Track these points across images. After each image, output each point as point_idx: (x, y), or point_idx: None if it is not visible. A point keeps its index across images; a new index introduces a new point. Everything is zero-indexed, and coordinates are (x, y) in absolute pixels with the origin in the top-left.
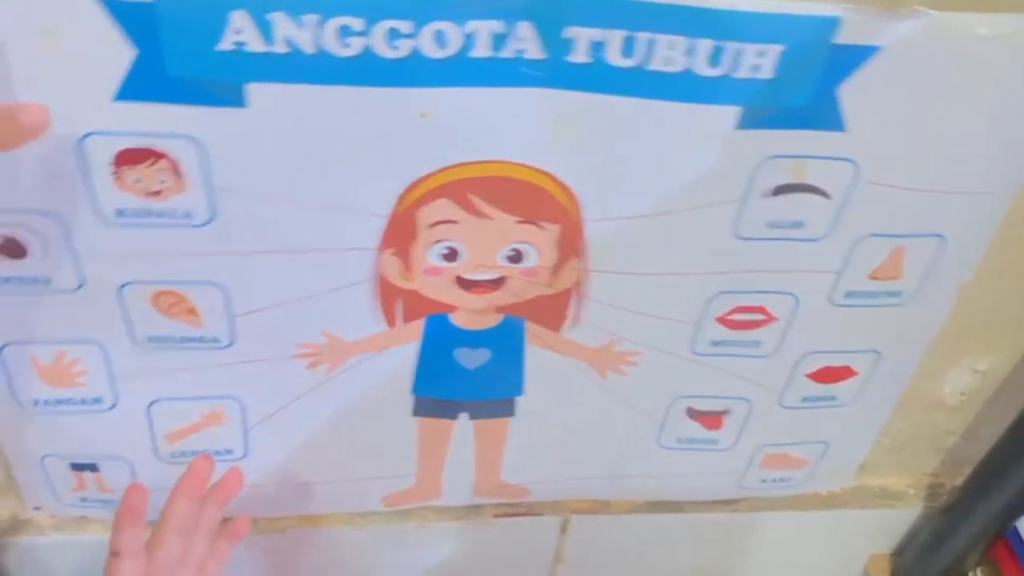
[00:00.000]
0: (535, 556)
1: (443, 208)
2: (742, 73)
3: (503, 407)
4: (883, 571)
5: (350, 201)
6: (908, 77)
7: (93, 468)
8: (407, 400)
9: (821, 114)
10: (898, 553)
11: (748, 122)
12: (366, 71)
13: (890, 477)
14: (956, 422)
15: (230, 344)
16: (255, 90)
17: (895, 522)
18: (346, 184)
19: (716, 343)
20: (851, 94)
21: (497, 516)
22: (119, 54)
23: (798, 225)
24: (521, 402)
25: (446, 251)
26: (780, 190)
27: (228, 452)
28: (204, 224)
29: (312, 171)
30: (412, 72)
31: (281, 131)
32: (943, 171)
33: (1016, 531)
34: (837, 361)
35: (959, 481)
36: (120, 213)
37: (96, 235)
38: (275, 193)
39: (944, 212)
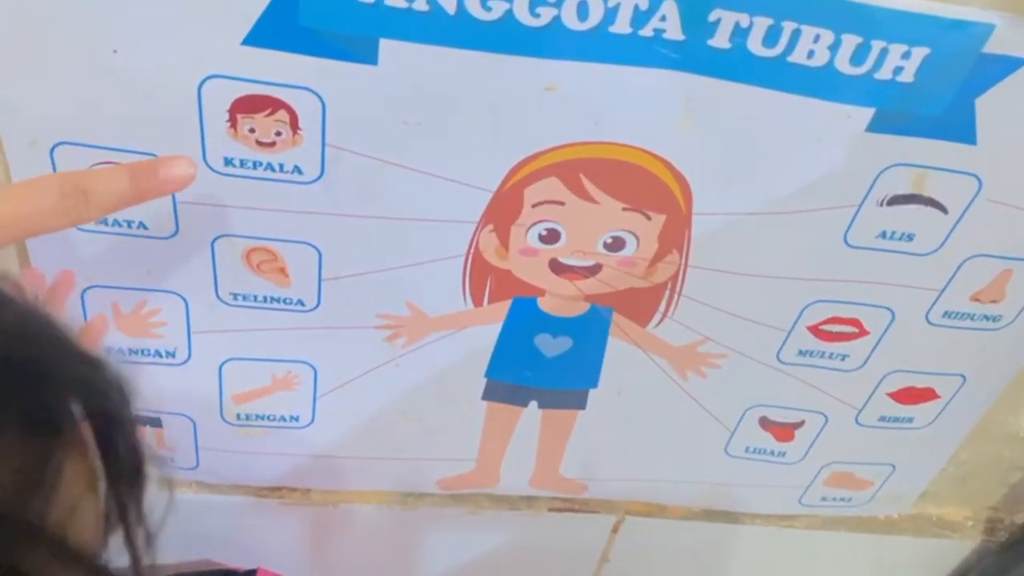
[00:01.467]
0: (582, 554)
1: (551, 188)
2: (882, 74)
3: (575, 399)
4: None
5: (459, 172)
6: None
7: (156, 423)
8: (479, 383)
9: (954, 125)
10: None
11: (878, 126)
12: (502, 37)
13: (949, 507)
14: None
15: (314, 308)
16: (388, 47)
17: (949, 554)
18: (458, 154)
19: (803, 352)
20: (988, 106)
21: (551, 510)
22: None
23: (909, 238)
24: (594, 395)
25: (545, 232)
26: (896, 200)
27: (294, 419)
28: (312, 181)
29: (427, 137)
30: (547, 42)
31: (405, 93)
32: None
33: None
34: (922, 382)
35: (1019, 518)
36: (228, 162)
37: (200, 182)
38: (386, 157)
39: None
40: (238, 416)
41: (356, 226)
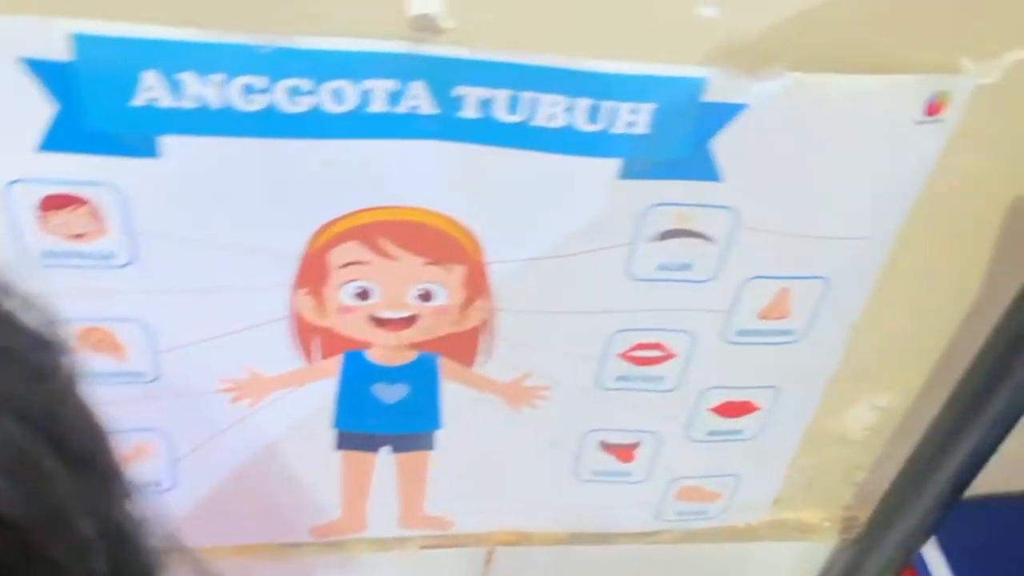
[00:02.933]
0: None
1: (353, 250)
2: (619, 128)
3: (423, 440)
4: None
5: (262, 243)
6: (776, 131)
7: None
8: (330, 434)
9: (696, 166)
10: None
11: (629, 173)
12: (270, 124)
13: (805, 511)
14: (863, 457)
15: (155, 379)
16: (167, 141)
17: (813, 555)
18: (257, 228)
19: (621, 378)
20: (724, 147)
21: (423, 547)
22: (43, 108)
23: (686, 267)
24: (440, 435)
25: (358, 291)
26: (667, 235)
27: (156, 485)
28: (125, 265)
29: (224, 215)
30: (312, 125)
31: (192, 178)
32: (820, 217)
33: (921, 559)
34: (737, 396)
35: (868, 513)
36: (46, 255)
37: (23, 276)
38: (191, 236)
39: (825, 255)
40: None
41: (177, 300)
